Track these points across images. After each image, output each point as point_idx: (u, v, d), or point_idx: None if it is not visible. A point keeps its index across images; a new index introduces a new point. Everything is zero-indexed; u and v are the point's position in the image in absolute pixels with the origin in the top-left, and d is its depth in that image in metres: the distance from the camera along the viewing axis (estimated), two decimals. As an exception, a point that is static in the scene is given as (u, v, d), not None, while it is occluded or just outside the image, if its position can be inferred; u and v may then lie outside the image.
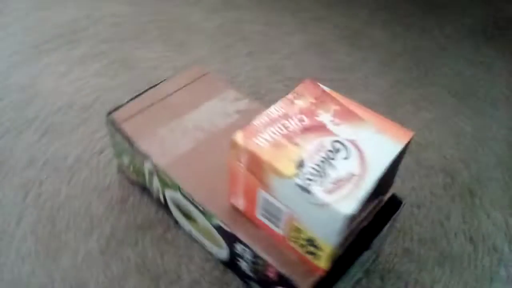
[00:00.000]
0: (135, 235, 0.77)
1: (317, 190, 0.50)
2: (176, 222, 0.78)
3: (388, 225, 0.63)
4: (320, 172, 0.51)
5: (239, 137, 0.55)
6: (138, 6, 1.35)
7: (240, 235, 0.61)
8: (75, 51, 1.15)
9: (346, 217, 0.48)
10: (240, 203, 0.62)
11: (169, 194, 0.72)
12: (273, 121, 0.57)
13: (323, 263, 0.56)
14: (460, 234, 0.80)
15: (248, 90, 1.06)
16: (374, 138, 0.56)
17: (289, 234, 0.57)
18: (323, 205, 0.49)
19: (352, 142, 0.55)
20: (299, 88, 0.63)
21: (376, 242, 0.62)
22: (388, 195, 0.66)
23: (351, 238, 0.60)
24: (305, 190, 0.50)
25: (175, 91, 0.82)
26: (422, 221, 0.81)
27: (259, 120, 0.57)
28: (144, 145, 0.72)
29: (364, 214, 0.62)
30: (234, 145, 0.55)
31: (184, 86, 0.83)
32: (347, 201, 0.49)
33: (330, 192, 0.50)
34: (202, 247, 0.75)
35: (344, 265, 0.58)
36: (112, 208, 0.80)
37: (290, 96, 0.61)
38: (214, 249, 0.72)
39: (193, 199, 0.66)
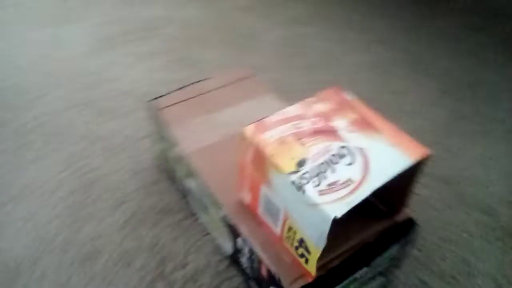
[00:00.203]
0: (155, 217, 0.80)
1: (310, 190, 0.49)
2: (195, 213, 0.80)
3: (395, 247, 0.60)
4: (319, 174, 0.51)
5: (248, 130, 0.56)
6: (212, 12, 1.42)
7: (240, 228, 0.62)
8: (146, 46, 1.24)
9: (332, 220, 0.46)
10: (246, 198, 0.63)
11: (189, 182, 0.75)
12: (287, 120, 0.58)
13: (311, 267, 0.54)
14: (487, 277, 0.73)
15: (295, 101, 1.07)
16: (385, 150, 0.54)
17: (285, 234, 0.57)
18: (313, 205, 0.48)
19: (360, 150, 0.53)
20: (323, 93, 0.62)
21: (379, 262, 0.59)
22: (403, 217, 0.63)
23: (348, 250, 0.58)
24: (299, 188, 0.50)
25: (216, 88, 0.85)
26: (447, 256, 0.76)
27: (273, 117, 0.58)
28: (174, 132, 0.76)
29: (369, 232, 0.60)
30: (243, 137, 0.56)
31: (226, 85, 0.86)
32: (337, 205, 0.47)
33: (322, 193, 0.49)
34: (213, 240, 0.76)
35: (338, 277, 0.56)
36: (141, 190, 0.85)
37: (311, 99, 0.61)
38: (221, 242, 0.73)
39: (206, 188, 0.68)
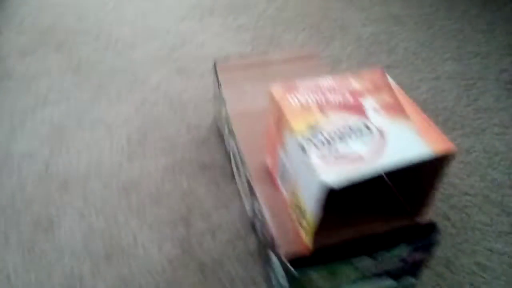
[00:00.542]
0: (196, 169, 0.85)
1: (313, 153, 0.49)
2: (233, 172, 0.83)
3: (405, 248, 0.57)
4: (329, 143, 0.50)
5: (276, 89, 0.57)
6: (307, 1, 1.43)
7: (256, 190, 0.63)
8: (236, 21, 1.29)
9: (327, 187, 0.46)
10: (269, 162, 0.64)
11: (231, 143, 0.78)
12: (317, 88, 0.58)
13: (308, 237, 0.54)
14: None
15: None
16: (407, 136, 0.51)
17: (291, 199, 0.57)
18: (314, 171, 0.48)
19: (381, 131, 0.52)
20: (365, 72, 0.61)
21: (385, 258, 0.57)
22: (425, 220, 0.59)
23: (354, 236, 0.56)
24: (304, 150, 0.50)
25: (279, 61, 0.87)
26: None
27: (305, 83, 0.58)
28: (226, 92, 0.79)
29: (381, 225, 0.58)
30: (270, 95, 0.58)
31: (289, 60, 0.87)
32: (335, 176, 0.47)
33: (325, 161, 0.48)
34: (242, 203, 0.79)
35: (334, 257, 0.55)
36: (192, 143, 0.90)
37: (351, 75, 0.60)
38: (245, 204, 0.75)
39: (239, 148, 0.70)
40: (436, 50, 1.23)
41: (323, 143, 0.50)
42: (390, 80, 0.60)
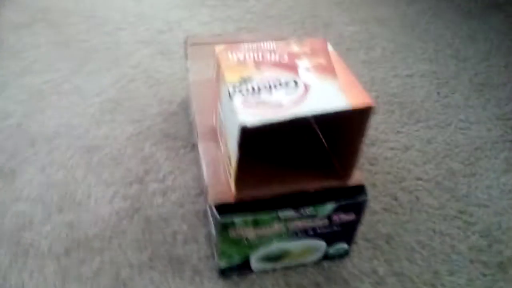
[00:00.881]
0: (160, 139, 0.88)
1: (238, 100, 0.52)
2: (193, 144, 0.87)
3: (330, 206, 0.59)
4: (255, 92, 0.54)
5: (219, 47, 0.61)
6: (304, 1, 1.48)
7: (199, 146, 0.67)
8: (224, 13, 1.34)
9: (243, 127, 0.49)
10: (214, 120, 0.68)
11: (191, 109, 0.81)
12: (258, 49, 0.61)
13: (233, 184, 0.57)
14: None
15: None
16: (329, 91, 0.54)
17: (225, 151, 0.60)
18: (235, 112, 0.51)
19: (306, 86, 0.55)
20: (309, 40, 0.64)
21: (310, 214, 0.59)
22: (355, 181, 0.62)
23: (283, 192, 0.59)
24: (230, 96, 0.53)
25: (247, 40, 0.91)
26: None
27: (248, 45, 0.62)
28: (192, 64, 0.83)
29: (312, 184, 0.61)
30: (213, 53, 0.62)
31: (257, 40, 0.91)
32: (253, 117, 0.50)
33: (247, 106, 0.52)
34: (198, 171, 0.82)
35: (258, 206, 0.58)
36: (159, 115, 0.94)
37: (293, 40, 0.64)
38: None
39: (193, 112, 0.74)
40: (414, 51, 1.26)
41: (248, 91, 0.54)
42: (330, 48, 0.63)
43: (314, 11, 1.40)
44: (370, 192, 0.82)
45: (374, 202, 0.81)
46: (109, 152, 0.84)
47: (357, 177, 0.62)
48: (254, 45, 0.62)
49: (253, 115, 0.50)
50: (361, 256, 0.71)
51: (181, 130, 0.91)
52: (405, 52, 1.25)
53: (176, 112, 0.95)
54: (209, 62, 0.83)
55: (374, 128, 0.97)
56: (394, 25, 1.36)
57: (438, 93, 1.10)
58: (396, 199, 0.82)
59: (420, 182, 0.86)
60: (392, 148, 0.93)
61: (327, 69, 0.58)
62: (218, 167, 0.63)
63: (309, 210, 0.59)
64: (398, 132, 0.97)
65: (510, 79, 1.18)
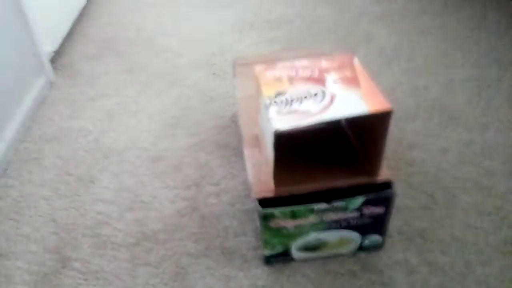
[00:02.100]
0: (214, 148, 1.00)
1: (273, 109, 0.62)
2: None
3: (360, 200, 0.66)
4: (288, 103, 0.63)
5: (258, 67, 0.71)
6: (342, 14, 1.56)
7: (244, 152, 0.77)
8: (270, 34, 1.45)
9: (277, 132, 0.59)
10: (257, 130, 0.78)
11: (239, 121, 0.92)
12: (292, 67, 0.71)
13: (271, 181, 0.66)
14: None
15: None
16: (352, 99, 0.63)
17: (265, 154, 0.70)
18: (270, 120, 0.61)
19: (332, 95, 0.63)
20: (336, 55, 0.73)
21: (341, 207, 0.67)
22: (383, 178, 0.69)
23: (312, 185, 0.67)
24: (267, 108, 0.63)
25: (289, 57, 1.01)
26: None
27: (284, 63, 0.72)
28: (239, 81, 0.95)
29: (343, 181, 0.68)
30: (254, 71, 0.72)
31: (298, 57, 1.01)
32: (284, 123, 0.59)
33: (280, 114, 0.61)
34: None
35: (295, 200, 0.67)
36: (214, 128, 1.06)
37: (323, 57, 0.73)
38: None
39: (240, 124, 0.85)
40: (456, 58, 1.29)
41: (282, 102, 0.63)
42: (356, 61, 0.72)
43: (356, 26, 1.47)
44: (407, 191, 0.88)
45: (410, 200, 0.86)
46: (170, 161, 0.97)
47: (384, 174, 0.69)
48: (289, 63, 0.72)
49: (285, 121, 0.60)
50: (395, 248, 0.77)
51: (232, 140, 1.02)
52: (447, 60, 1.28)
53: (228, 125, 1.07)
54: (253, 80, 0.94)
55: (414, 132, 1.03)
56: (436, 34, 1.40)
57: (480, 97, 1.13)
58: (432, 197, 0.87)
59: (457, 182, 0.90)
60: (430, 151, 0.98)
61: (352, 81, 0.67)
62: (261, 168, 0.72)
63: (340, 204, 0.67)
64: (437, 135, 1.02)
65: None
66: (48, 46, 1.27)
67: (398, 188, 0.87)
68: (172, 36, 1.46)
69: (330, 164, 0.72)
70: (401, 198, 0.86)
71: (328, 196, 0.67)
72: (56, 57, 1.35)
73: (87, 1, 1.63)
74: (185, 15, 1.59)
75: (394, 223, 0.81)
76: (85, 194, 0.91)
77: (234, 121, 1.08)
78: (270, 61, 1.00)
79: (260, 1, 1.65)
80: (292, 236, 0.70)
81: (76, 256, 0.79)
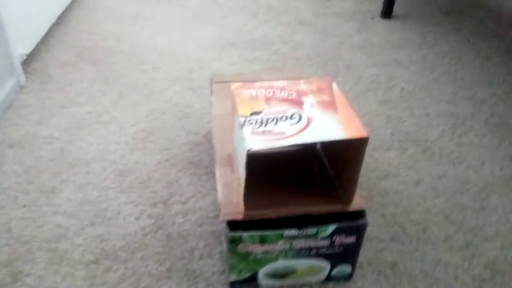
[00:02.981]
0: (185, 165, 0.97)
1: (247, 129, 0.60)
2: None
3: (332, 228, 0.65)
4: (263, 123, 0.61)
5: (235, 85, 0.70)
6: (323, 42, 1.57)
7: (216, 171, 0.75)
8: (251, 54, 1.45)
9: (249, 152, 0.57)
10: (231, 149, 0.75)
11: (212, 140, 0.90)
12: (270, 87, 0.70)
13: (242, 204, 0.64)
14: None
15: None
16: (328, 123, 0.61)
17: (237, 175, 0.68)
18: (243, 140, 0.59)
19: (309, 118, 0.62)
20: (316, 79, 0.72)
21: (311, 233, 0.65)
22: (356, 207, 0.67)
23: (284, 210, 0.65)
24: (241, 126, 0.61)
25: (267, 78, 1.00)
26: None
27: (261, 83, 0.70)
28: (215, 99, 0.93)
29: (316, 208, 0.67)
30: (230, 89, 0.70)
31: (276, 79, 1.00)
32: (257, 143, 0.58)
33: (254, 133, 0.59)
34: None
35: (264, 224, 0.64)
36: (187, 145, 1.03)
37: (303, 80, 0.72)
38: (216, 193, 0.86)
39: (213, 142, 0.82)
40: (432, 92, 1.31)
41: (257, 122, 0.61)
42: (335, 86, 0.71)
43: (337, 54, 1.48)
44: (379, 222, 0.87)
45: (381, 232, 0.85)
46: (139, 176, 0.93)
47: (358, 203, 0.67)
48: (267, 83, 0.70)
49: (259, 142, 0.58)
50: (365, 280, 0.76)
51: (205, 158, 0.99)
52: (423, 93, 1.30)
53: (202, 143, 1.04)
54: (230, 98, 0.92)
55: (387, 163, 1.03)
56: (413, 68, 1.43)
57: (453, 132, 1.15)
58: (404, 229, 0.86)
59: (428, 214, 0.90)
60: (403, 182, 0.97)
61: (330, 105, 0.65)
62: (232, 189, 0.70)
63: (311, 231, 0.65)
64: (410, 167, 1.02)
65: (526, 121, 1.21)
66: (21, 49, 1.23)
67: (370, 219, 0.86)
68: (151, 48, 1.44)
69: (303, 190, 0.70)
70: (373, 228, 0.85)
71: (299, 222, 0.65)
72: (28, 61, 1.30)
73: (67, 7, 1.60)
74: (167, 28, 1.58)
75: (365, 254, 0.79)
76: (45, 205, 0.86)
77: (208, 138, 1.05)
78: (248, 80, 1.00)
79: (243, 21, 1.65)
80: (260, 262, 0.67)
81: (28, 270, 0.74)
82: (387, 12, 1.73)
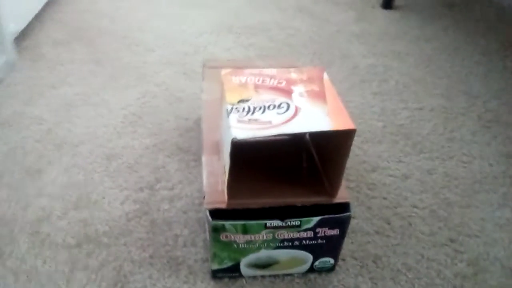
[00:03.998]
0: (173, 151, 0.96)
1: (234, 117, 0.59)
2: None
3: (315, 221, 0.64)
4: (250, 111, 0.60)
5: (225, 71, 0.69)
6: (320, 29, 1.55)
7: (203, 158, 0.74)
8: (248, 40, 1.43)
9: (234, 140, 0.56)
10: (218, 136, 0.75)
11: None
12: (260, 74, 0.68)
13: (226, 192, 0.63)
14: None
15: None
16: (316, 114, 0.61)
17: (222, 162, 0.67)
18: (229, 128, 0.58)
19: (296, 108, 0.61)
20: (308, 68, 0.71)
21: (295, 225, 0.64)
22: (341, 200, 0.67)
23: (268, 200, 0.65)
24: (228, 114, 0.60)
25: (260, 65, 0.98)
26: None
27: (251, 70, 0.69)
28: (206, 84, 0.91)
29: (301, 199, 0.66)
30: (220, 76, 0.69)
31: (269, 66, 0.98)
32: (243, 132, 0.57)
33: (240, 122, 0.59)
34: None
35: (248, 215, 0.64)
36: (176, 130, 1.02)
37: (294, 69, 0.71)
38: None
39: (201, 128, 0.81)
40: (427, 86, 1.30)
41: (244, 110, 0.60)
42: (326, 76, 0.70)
43: (333, 43, 1.47)
44: (364, 215, 0.87)
45: (367, 224, 0.85)
46: (126, 160, 0.93)
47: (342, 195, 0.67)
48: (257, 71, 0.69)
49: (245, 130, 0.57)
50: (348, 272, 0.76)
51: (194, 145, 0.98)
52: (418, 86, 1.29)
53: (192, 128, 1.03)
54: (215, 87, 0.91)
55: (377, 155, 1.02)
56: (410, 60, 1.41)
57: (445, 127, 1.14)
58: (389, 223, 0.86)
59: (414, 209, 0.89)
60: (391, 176, 0.97)
61: (319, 95, 0.64)
62: (217, 178, 0.69)
63: (294, 222, 0.64)
64: (400, 161, 1.01)
65: (519, 118, 1.20)
66: (13, 25, 1.21)
67: (356, 211, 0.86)
68: (146, 31, 1.42)
69: (290, 181, 0.70)
70: (358, 221, 0.85)
71: (284, 213, 0.65)
72: (20, 38, 1.28)
73: (61, -16, 1.57)
74: (163, 11, 1.55)
75: (349, 246, 0.79)
76: (29, 186, 0.85)
77: (198, 124, 1.04)
78: (241, 66, 0.98)
79: (241, 7, 1.63)
80: (242, 251, 0.67)
81: (9, 252, 0.74)
82: (388, 2, 1.70)
